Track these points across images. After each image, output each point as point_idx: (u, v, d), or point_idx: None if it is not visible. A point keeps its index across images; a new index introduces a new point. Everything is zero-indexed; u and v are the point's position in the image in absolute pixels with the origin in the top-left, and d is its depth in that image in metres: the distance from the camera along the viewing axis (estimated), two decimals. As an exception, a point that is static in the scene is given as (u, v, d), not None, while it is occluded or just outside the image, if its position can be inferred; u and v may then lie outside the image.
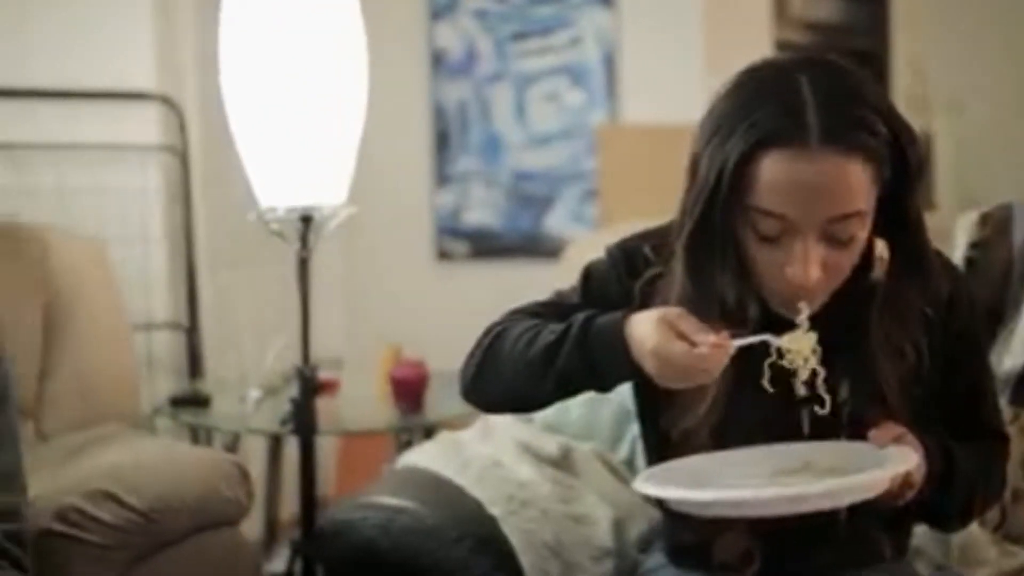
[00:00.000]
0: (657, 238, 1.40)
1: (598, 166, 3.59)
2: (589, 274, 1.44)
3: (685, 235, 1.32)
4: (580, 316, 1.34)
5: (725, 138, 1.26)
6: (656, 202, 1.49)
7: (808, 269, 1.26)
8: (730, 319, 1.30)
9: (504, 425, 2.01)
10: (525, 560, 1.73)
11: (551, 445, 1.95)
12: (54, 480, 1.76)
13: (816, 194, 1.24)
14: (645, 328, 1.27)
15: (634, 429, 1.95)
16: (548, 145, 3.74)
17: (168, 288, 3.04)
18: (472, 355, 1.41)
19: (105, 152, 2.90)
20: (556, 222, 3.73)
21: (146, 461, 1.86)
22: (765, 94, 1.27)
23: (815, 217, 1.25)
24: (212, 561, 1.87)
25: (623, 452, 2.01)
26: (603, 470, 1.95)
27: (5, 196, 2.78)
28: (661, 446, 1.42)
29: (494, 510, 1.78)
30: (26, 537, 1.50)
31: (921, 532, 1.61)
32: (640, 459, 1.91)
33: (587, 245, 2.26)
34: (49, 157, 2.86)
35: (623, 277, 1.41)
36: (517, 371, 1.35)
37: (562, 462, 1.94)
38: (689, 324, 1.26)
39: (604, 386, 1.35)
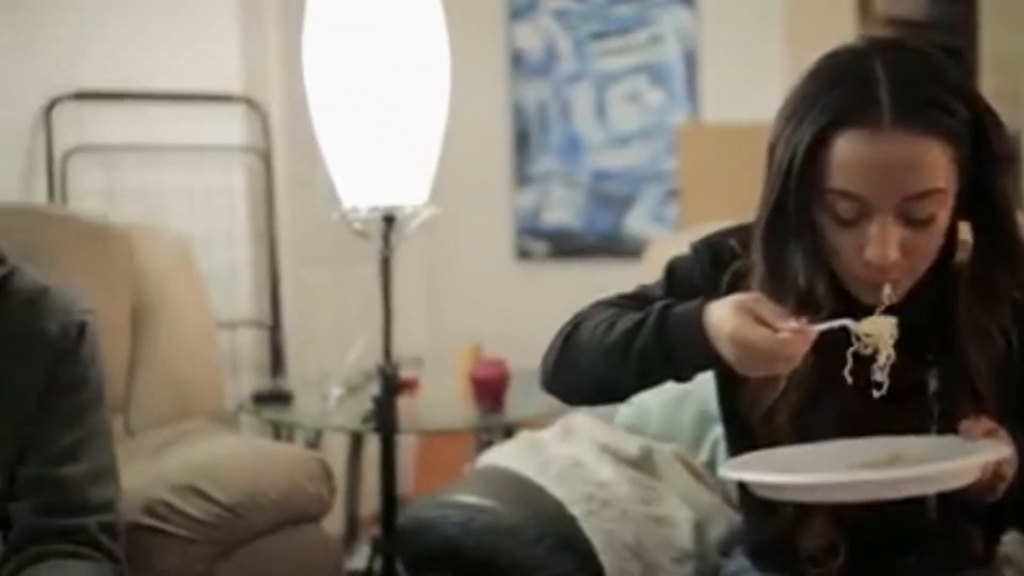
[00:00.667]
0: (743, 233, 1.39)
1: (678, 166, 3.57)
2: (673, 269, 1.44)
3: (762, 222, 1.31)
4: (659, 303, 1.34)
5: (799, 122, 1.26)
6: (737, 202, 1.48)
7: (886, 249, 1.24)
8: (806, 307, 1.29)
9: (584, 425, 2.01)
10: (606, 560, 1.73)
11: (632, 446, 1.94)
12: (142, 475, 1.79)
13: (890, 172, 1.23)
14: (722, 313, 1.26)
15: (716, 431, 1.93)
16: (628, 145, 3.73)
17: (252, 287, 3.08)
18: (553, 344, 1.42)
19: (191, 153, 2.95)
20: (636, 222, 3.71)
21: (231, 457, 1.88)
22: (838, 76, 1.27)
23: (890, 196, 1.24)
24: (295, 557, 1.88)
25: (704, 454, 1.99)
26: (684, 472, 1.94)
27: (95, 196, 2.85)
28: (743, 436, 1.41)
29: (574, 510, 1.77)
30: (119, 529, 1.53)
31: (1010, 539, 1.57)
32: (721, 462, 1.90)
33: (668, 246, 2.23)
34: (137, 158, 2.91)
35: (708, 271, 1.40)
36: (596, 358, 1.35)
37: (643, 463, 1.92)
38: (768, 309, 1.25)
39: (680, 373, 1.34)
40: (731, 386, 1.38)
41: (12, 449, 1.48)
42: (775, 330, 1.22)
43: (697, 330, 1.27)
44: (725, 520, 1.82)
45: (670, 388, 1.97)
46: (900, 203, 1.24)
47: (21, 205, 2.54)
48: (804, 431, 1.35)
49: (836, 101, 1.25)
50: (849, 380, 1.29)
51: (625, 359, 1.32)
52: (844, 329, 1.28)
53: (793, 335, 1.22)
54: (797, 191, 1.27)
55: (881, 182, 1.24)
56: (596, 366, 1.35)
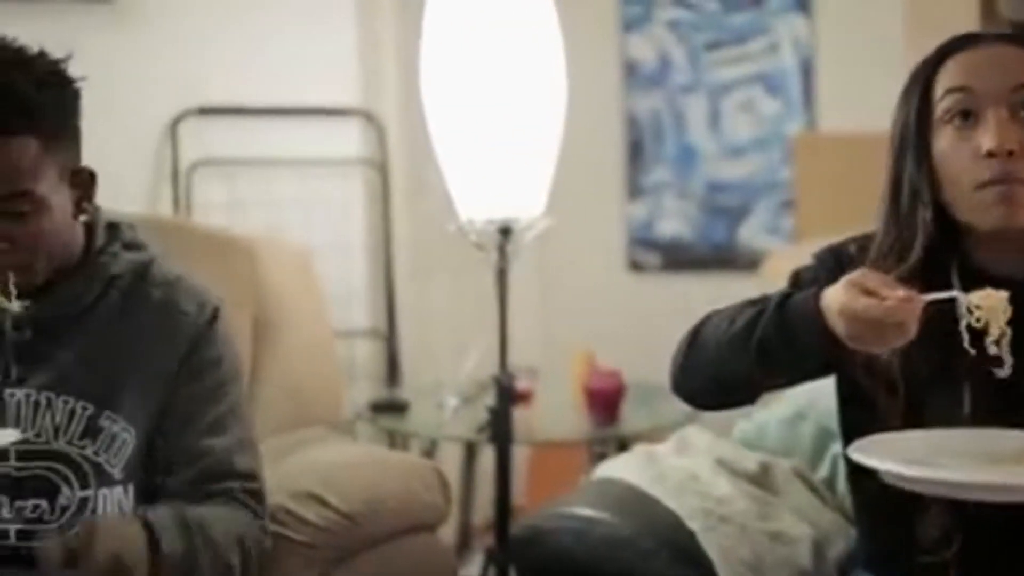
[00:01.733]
0: (862, 242, 1.43)
1: (794, 176, 3.52)
2: (798, 277, 1.47)
3: (884, 196, 1.39)
4: (778, 294, 1.38)
5: (911, 83, 1.41)
6: (855, 213, 1.49)
7: (1004, 134, 1.31)
8: (927, 282, 1.31)
9: (701, 440, 2.00)
10: (723, 576, 1.71)
11: (749, 461, 1.92)
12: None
13: (997, 63, 1.36)
14: (834, 291, 1.29)
15: (835, 448, 1.90)
16: (742, 155, 3.69)
17: (368, 297, 3.13)
18: (679, 345, 1.44)
19: (310, 166, 3.01)
20: (750, 234, 3.67)
21: (350, 465, 1.90)
22: (946, 45, 1.41)
23: (999, 86, 1.34)
24: (410, 565, 1.89)
25: (824, 470, 1.96)
26: (803, 488, 1.91)
27: (217, 208, 2.92)
28: (860, 422, 1.40)
29: (692, 524, 1.76)
30: (263, 497, 1.59)
31: None
32: (841, 479, 1.87)
33: (785, 258, 2.22)
34: (258, 171, 2.98)
35: (830, 277, 1.40)
36: (718, 351, 1.38)
37: (760, 478, 1.90)
38: (875, 280, 1.26)
39: (800, 359, 1.35)
40: (851, 384, 1.39)
41: (152, 423, 1.54)
42: (883, 299, 1.23)
43: (813, 311, 1.30)
44: (844, 538, 1.79)
45: (789, 404, 1.98)
46: (1010, 96, 1.34)
47: (148, 216, 2.62)
48: (924, 415, 1.36)
49: (940, 46, 1.40)
50: (971, 351, 1.29)
51: (746, 347, 1.35)
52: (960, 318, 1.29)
53: (900, 303, 1.23)
54: (917, 134, 1.37)
55: (989, 72, 1.35)
56: (719, 359, 1.38)
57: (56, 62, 1.50)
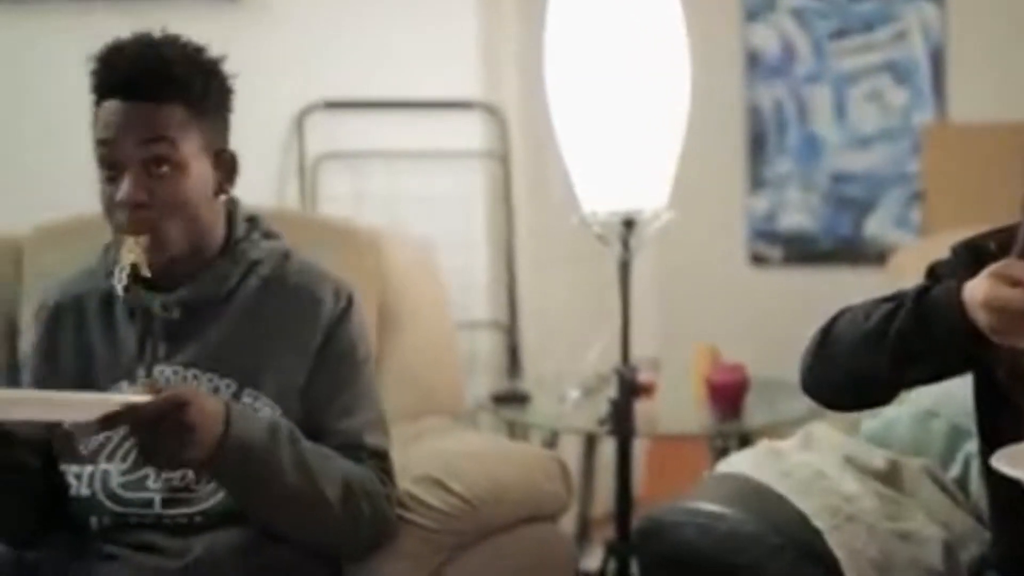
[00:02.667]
0: (1002, 235, 1.38)
1: (923, 168, 3.43)
2: (934, 272, 1.44)
3: None
4: (916, 287, 1.35)
5: None
6: (986, 206, 1.45)
7: None
8: None
9: (827, 436, 1.96)
10: (850, 576, 1.68)
11: (877, 459, 1.88)
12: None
13: None
14: (977, 282, 1.26)
15: (967, 447, 1.85)
16: (869, 146, 3.61)
17: (489, 288, 3.14)
18: (810, 343, 1.41)
19: (433, 159, 3.04)
20: (877, 227, 3.59)
21: (472, 452, 1.91)
22: None
23: None
24: (530, 555, 1.90)
25: (955, 470, 1.91)
26: (933, 488, 1.86)
27: (342, 201, 2.97)
28: (1000, 423, 1.37)
29: (818, 522, 1.73)
30: (393, 475, 1.66)
31: None
32: (974, 479, 1.82)
33: (914, 253, 2.16)
34: (382, 164, 3.02)
35: (969, 274, 1.36)
36: (852, 347, 1.36)
37: (889, 477, 1.86)
38: (1021, 268, 1.23)
39: (938, 352, 1.32)
40: (991, 382, 1.36)
41: (289, 402, 1.61)
42: None
43: (954, 303, 1.27)
44: (978, 540, 1.74)
45: (920, 401, 1.93)
46: None
47: (276, 209, 2.68)
48: None
49: None
50: None
51: (882, 342, 1.32)
52: None
53: None
54: None
55: None
56: (852, 355, 1.36)
57: (204, 49, 1.63)
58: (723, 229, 3.76)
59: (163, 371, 1.61)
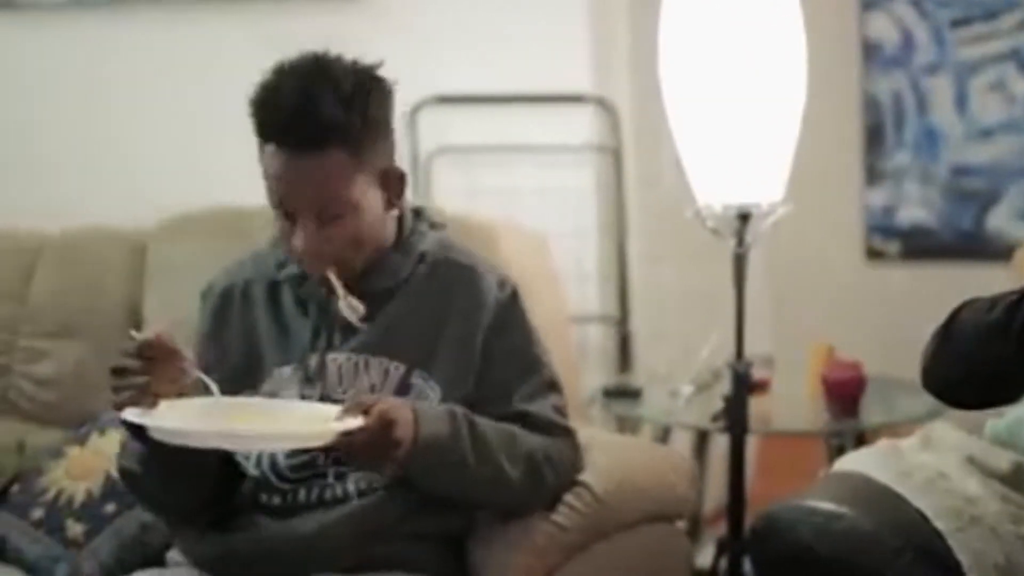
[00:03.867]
0: None
1: (1050, 160, 3.33)
2: None
3: None
4: None
5: None
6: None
7: None
8: None
9: (948, 436, 1.91)
10: (974, 580, 1.64)
11: (1002, 460, 1.82)
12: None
13: None
14: None
15: (1098, 448, 1.79)
16: (992, 138, 3.52)
17: (600, 282, 3.14)
18: (932, 338, 1.38)
19: (544, 153, 3.04)
20: (1000, 221, 3.49)
21: (602, 448, 1.88)
22: None
23: None
24: (648, 552, 1.87)
25: (1086, 473, 1.85)
26: (1062, 491, 1.81)
27: (456, 195, 2.99)
28: None
29: (940, 524, 1.69)
30: (578, 446, 1.73)
31: None
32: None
33: (1042, 247, 2.10)
34: (494, 159, 3.03)
35: None
36: (977, 339, 1.33)
37: (1014, 479, 1.80)
38: None
39: None
40: None
41: (459, 385, 1.66)
42: None
43: None
44: (1108, 546, 1.68)
45: (1048, 399, 1.87)
46: None
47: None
48: None
49: None
50: None
51: (1007, 333, 1.29)
52: None
53: None
54: None
55: None
56: (976, 348, 1.33)
57: (365, 70, 1.62)
58: (839, 224, 3.69)
59: (335, 358, 1.67)
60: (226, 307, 1.74)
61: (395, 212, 1.69)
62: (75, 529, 2.07)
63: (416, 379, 1.66)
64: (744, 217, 2.08)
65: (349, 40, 2.91)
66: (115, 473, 1.84)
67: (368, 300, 1.65)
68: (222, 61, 2.93)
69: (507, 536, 1.71)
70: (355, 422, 1.50)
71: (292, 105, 1.55)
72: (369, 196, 1.61)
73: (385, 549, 1.64)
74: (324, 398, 1.64)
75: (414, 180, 3.03)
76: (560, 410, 1.72)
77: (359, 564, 1.63)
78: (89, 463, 2.14)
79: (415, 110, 3.01)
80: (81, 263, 2.57)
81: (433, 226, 1.75)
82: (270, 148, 1.58)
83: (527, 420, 1.67)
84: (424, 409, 1.59)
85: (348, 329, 1.66)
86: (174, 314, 2.00)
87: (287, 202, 1.59)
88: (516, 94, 3.03)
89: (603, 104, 3.11)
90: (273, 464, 1.67)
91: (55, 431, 2.39)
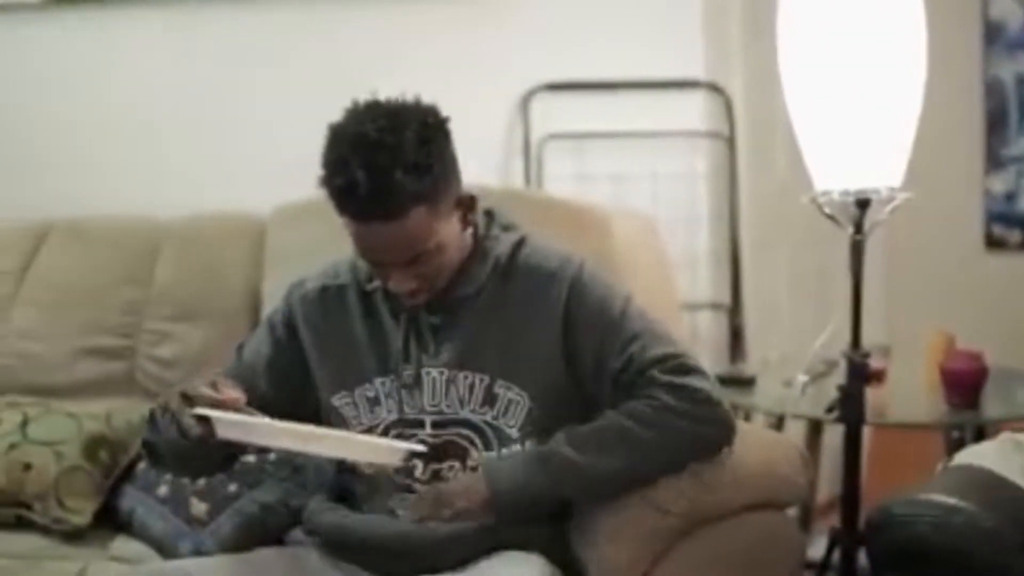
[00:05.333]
0: None
1: None
2: None
3: None
4: None
5: None
6: None
7: None
8: None
9: (1075, 429, 1.86)
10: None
11: None
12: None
13: None
14: None
15: None
16: None
17: (711, 269, 3.11)
18: None
19: (656, 139, 3.02)
20: None
21: None
22: None
23: None
24: (757, 542, 1.85)
25: None
26: None
27: (566, 181, 2.99)
28: None
29: (1065, 520, 1.65)
30: (688, 366, 1.71)
31: None
32: None
33: None
34: (604, 145, 3.03)
35: None
36: None
37: None
38: None
39: None
40: None
41: (546, 384, 1.70)
42: None
43: None
44: None
45: None
46: None
47: (502, 188, 2.72)
48: None
49: None
50: None
51: None
52: None
53: None
54: None
55: None
56: None
57: (422, 118, 1.63)
58: (958, 211, 3.61)
59: (429, 372, 1.72)
60: (322, 307, 1.80)
61: (470, 230, 1.74)
62: (199, 507, 2.14)
63: (499, 388, 1.71)
64: (863, 203, 2.04)
65: (460, 30, 2.94)
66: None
67: (450, 308, 1.72)
68: (335, 50, 2.98)
69: (609, 521, 1.71)
70: (421, 447, 1.62)
71: (365, 191, 1.57)
72: (449, 230, 1.67)
73: (497, 534, 1.68)
74: (421, 410, 1.72)
75: (525, 167, 3.04)
76: (656, 339, 1.71)
77: (474, 554, 1.68)
78: (212, 443, 2.21)
79: (527, 97, 3.02)
80: (203, 249, 2.64)
81: (505, 228, 1.78)
82: (348, 219, 1.63)
83: (631, 375, 1.68)
84: (495, 466, 1.66)
85: (437, 340, 1.72)
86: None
87: (375, 259, 1.67)
88: (628, 80, 3.02)
89: (716, 90, 3.08)
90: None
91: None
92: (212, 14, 3.02)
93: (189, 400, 1.57)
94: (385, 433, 1.72)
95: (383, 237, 1.61)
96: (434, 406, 1.71)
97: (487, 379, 1.70)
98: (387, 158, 1.57)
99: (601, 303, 1.72)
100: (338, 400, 1.75)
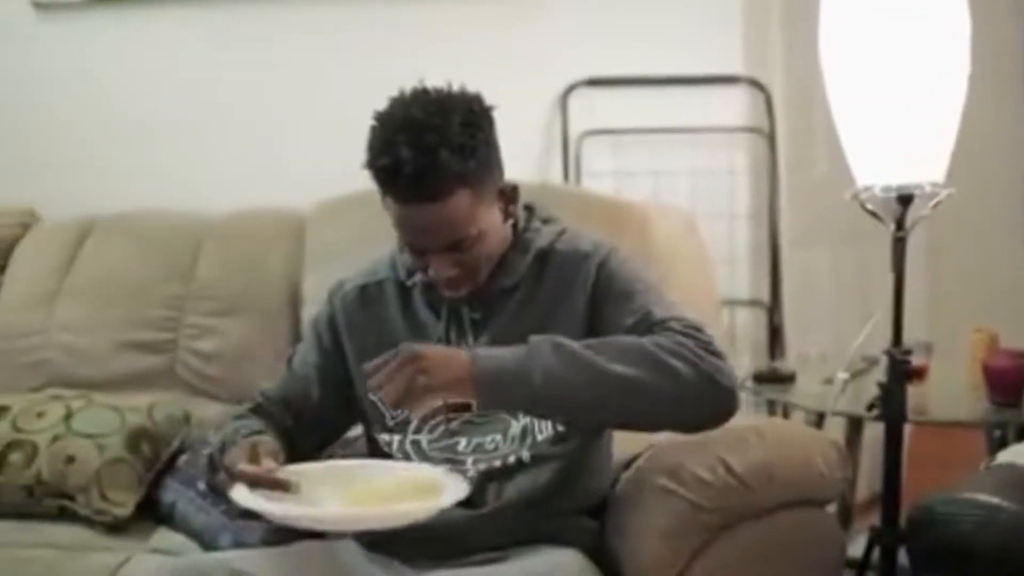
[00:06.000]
0: None
1: None
2: None
3: None
4: None
5: None
6: None
7: None
8: None
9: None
10: None
11: None
12: (638, 441, 1.85)
13: None
14: None
15: None
16: None
17: (751, 266, 3.10)
18: None
19: (695, 135, 3.01)
20: None
21: (750, 430, 1.85)
22: None
23: None
24: (796, 538, 1.84)
25: None
26: None
27: (605, 176, 2.99)
28: None
29: (1109, 520, 1.63)
30: (707, 339, 1.63)
31: None
32: None
33: None
34: (644, 140, 3.02)
35: None
36: None
37: None
38: None
39: None
40: None
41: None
42: None
43: None
44: None
45: None
46: None
47: (540, 183, 2.73)
48: None
49: None
50: None
51: None
52: None
53: None
54: None
55: None
56: None
57: (468, 104, 1.64)
58: (1001, 207, 3.57)
59: None
60: (361, 305, 1.81)
61: (511, 221, 1.75)
62: (238, 501, 2.16)
63: None
64: (905, 200, 2.02)
65: (500, 26, 2.95)
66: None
67: (490, 302, 1.74)
68: (377, 46, 2.99)
69: (645, 516, 1.71)
70: (460, 495, 1.58)
71: (411, 170, 1.58)
72: (491, 218, 1.68)
73: (534, 525, 1.69)
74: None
75: (564, 161, 3.04)
76: (679, 312, 1.66)
77: (510, 542, 1.68)
78: (251, 436, 2.23)
79: (566, 92, 3.02)
80: (244, 244, 2.66)
81: (546, 221, 1.80)
82: (392, 200, 1.63)
83: (643, 327, 1.64)
84: (482, 349, 1.62)
85: (476, 333, 1.73)
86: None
87: (417, 243, 1.67)
88: (667, 76, 3.01)
89: (756, 85, 3.06)
90: (417, 447, 1.75)
91: (219, 404, 2.49)
92: (263, 12, 3.05)
93: (231, 475, 1.59)
94: (424, 422, 1.73)
95: (425, 219, 1.61)
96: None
97: None
98: (433, 138, 1.58)
99: (627, 283, 1.71)
100: (375, 395, 1.75)
